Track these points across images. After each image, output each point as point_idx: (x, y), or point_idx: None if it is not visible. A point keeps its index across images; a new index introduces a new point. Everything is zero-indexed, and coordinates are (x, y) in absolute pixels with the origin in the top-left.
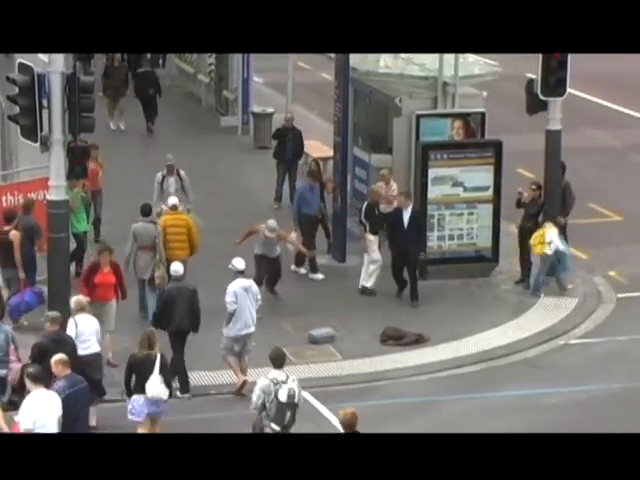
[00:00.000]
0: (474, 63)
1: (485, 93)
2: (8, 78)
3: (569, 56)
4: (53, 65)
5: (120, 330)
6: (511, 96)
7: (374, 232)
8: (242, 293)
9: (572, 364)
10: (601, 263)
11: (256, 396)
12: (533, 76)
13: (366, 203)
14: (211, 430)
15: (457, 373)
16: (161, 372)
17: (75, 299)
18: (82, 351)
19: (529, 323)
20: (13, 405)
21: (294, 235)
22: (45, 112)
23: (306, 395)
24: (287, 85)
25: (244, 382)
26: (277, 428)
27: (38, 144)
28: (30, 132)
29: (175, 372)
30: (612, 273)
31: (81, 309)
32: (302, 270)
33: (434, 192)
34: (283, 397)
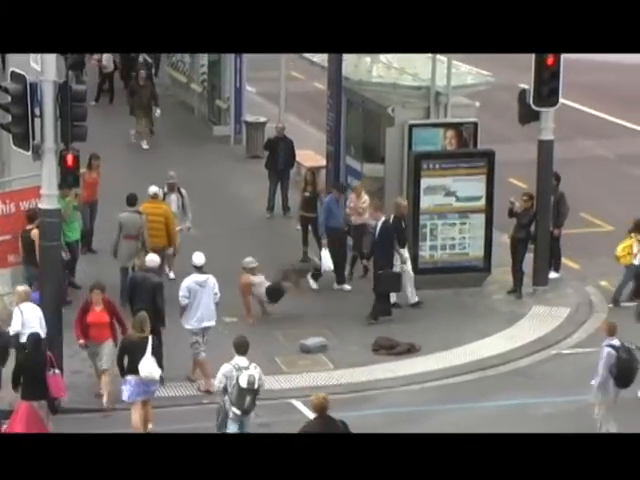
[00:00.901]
0: (467, 73)
1: (478, 103)
2: (0, 87)
3: (562, 66)
4: (45, 74)
5: None
6: (504, 106)
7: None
8: (196, 288)
9: (564, 374)
10: (593, 273)
11: (218, 380)
12: (526, 86)
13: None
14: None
15: (449, 383)
16: (153, 354)
17: (18, 289)
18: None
19: (521, 333)
20: None
21: (255, 279)
22: (37, 121)
23: (297, 404)
24: (280, 94)
25: (207, 391)
26: (238, 412)
27: (30, 153)
28: (22, 140)
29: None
30: (604, 283)
31: (25, 298)
32: (346, 287)
33: (426, 202)
34: (243, 383)
